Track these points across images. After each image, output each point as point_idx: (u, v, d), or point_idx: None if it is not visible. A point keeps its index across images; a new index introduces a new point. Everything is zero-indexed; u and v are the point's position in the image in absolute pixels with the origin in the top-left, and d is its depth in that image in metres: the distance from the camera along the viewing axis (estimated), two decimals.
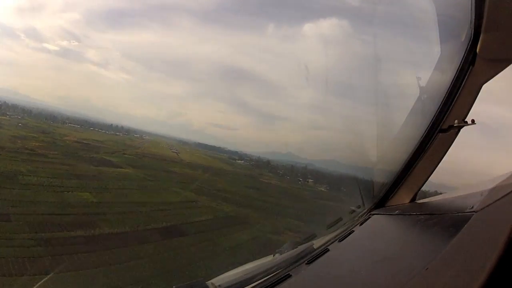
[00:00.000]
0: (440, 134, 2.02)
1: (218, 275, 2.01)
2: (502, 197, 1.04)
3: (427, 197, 2.25)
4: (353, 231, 2.07)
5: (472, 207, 1.27)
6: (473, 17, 1.72)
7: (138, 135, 34.01)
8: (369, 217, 2.20)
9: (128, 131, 33.33)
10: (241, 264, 2.28)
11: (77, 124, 31.64)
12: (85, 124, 31.86)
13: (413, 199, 2.18)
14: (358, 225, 2.16)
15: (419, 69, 2.48)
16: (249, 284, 1.67)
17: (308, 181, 28.44)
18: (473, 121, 1.94)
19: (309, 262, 1.77)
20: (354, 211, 2.48)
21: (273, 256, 2.17)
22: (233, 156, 33.79)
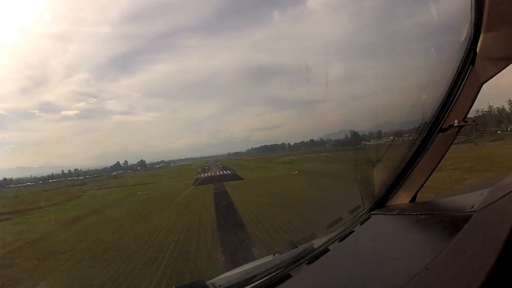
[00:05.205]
0: (440, 134, 2.01)
1: (218, 275, 2.01)
2: (502, 197, 1.04)
3: (427, 197, 2.25)
4: (353, 231, 2.07)
5: (472, 207, 1.27)
6: (473, 17, 1.71)
7: (162, 164, 32.93)
8: (369, 217, 2.21)
9: (142, 165, 32.29)
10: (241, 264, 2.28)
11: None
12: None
13: (413, 199, 2.18)
14: (359, 224, 2.16)
15: (419, 69, 2.48)
16: (249, 284, 1.67)
17: None
18: (473, 121, 1.94)
19: (309, 262, 1.77)
20: (354, 210, 2.48)
21: (273, 256, 2.16)
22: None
